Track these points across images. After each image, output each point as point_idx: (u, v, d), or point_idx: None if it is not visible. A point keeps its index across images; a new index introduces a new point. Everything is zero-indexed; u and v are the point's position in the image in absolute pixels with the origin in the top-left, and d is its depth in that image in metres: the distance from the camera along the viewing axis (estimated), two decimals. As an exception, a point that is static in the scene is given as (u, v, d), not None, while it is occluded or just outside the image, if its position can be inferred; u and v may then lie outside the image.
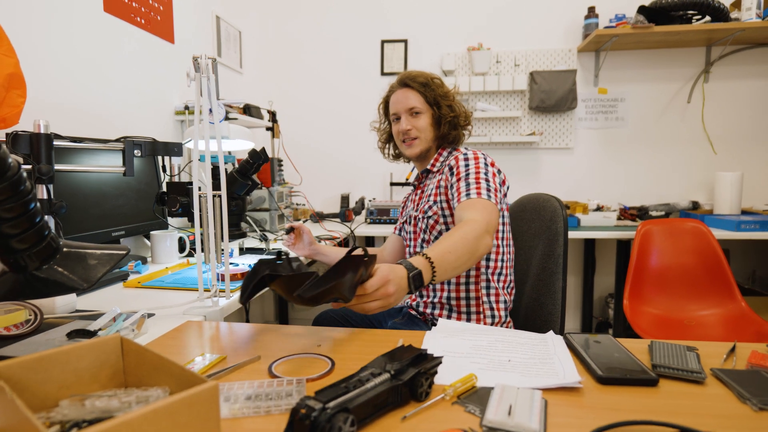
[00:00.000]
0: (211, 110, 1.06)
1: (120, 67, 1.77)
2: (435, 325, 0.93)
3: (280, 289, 0.75)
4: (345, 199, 2.84)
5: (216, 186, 1.02)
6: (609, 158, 2.84)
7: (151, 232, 1.58)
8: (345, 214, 2.70)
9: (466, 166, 1.24)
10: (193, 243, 1.74)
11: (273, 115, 2.52)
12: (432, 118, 1.37)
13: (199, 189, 1.02)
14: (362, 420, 0.54)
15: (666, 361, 0.68)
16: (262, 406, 0.57)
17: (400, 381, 0.59)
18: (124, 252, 0.84)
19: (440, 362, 0.64)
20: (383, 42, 2.94)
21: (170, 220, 1.78)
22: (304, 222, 2.61)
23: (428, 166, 1.39)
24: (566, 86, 2.69)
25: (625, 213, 2.55)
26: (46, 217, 0.76)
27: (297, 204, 2.75)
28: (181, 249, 1.64)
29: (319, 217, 2.64)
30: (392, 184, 2.94)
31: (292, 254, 1.55)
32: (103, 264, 0.80)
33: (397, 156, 1.52)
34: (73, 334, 0.79)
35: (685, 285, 2.03)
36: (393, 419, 0.57)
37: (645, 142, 2.80)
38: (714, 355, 0.74)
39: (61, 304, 1.01)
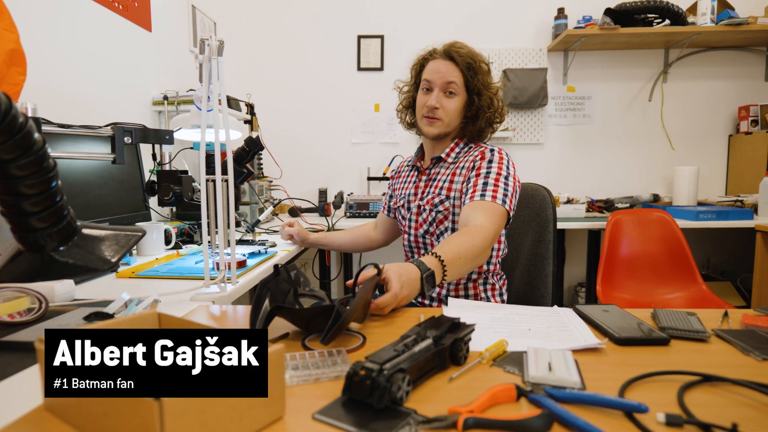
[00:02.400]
0: (209, 98, 1.05)
1: (97, 53, 1.70)
2: None
3: (288, 320, 0.77)
4: (323, 194, 2.84)
5: (212, 173, 1.01)
6: (577, 153, 2.98)
7: (137, 224, 1.53)
8: (323, 208, 2.70)
9: (489, 163, 1.18)
10: (178, 235, 1.69)
11: (251, 108, 2.48)
12: (464, 105, 1.24)
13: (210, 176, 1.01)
14: (413, 381, 0.57)
15: (672, 324, 0.75)
16: (311, 375, 0.59)
17: (443, 345, 0.61)
18: (140, 234, 0.82)
19: (473, 329, 0.67)
20: (360, 37, 2.96)
21: (152, 212, 1.72)
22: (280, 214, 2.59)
23: (441, 154, 1.29)
24: (538, 84, 2.80)
25: (593, 205, 2.69)
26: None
27: (275, 199, 2.72)
28: (166, 242, 1.60)
29: (298, 211, 2.62)
30: (369, 178, 2.97)
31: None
32: (122, 245, 0.78)
33: (412, 126, 1.39)
34: (92, 317, 0.77)
35: (652, 271, 2.16)
36: (439, 381, 0.59)
37: (610, 139, 2.95)
38: (709, 320, 0.81)
39: (61, 292, 0.96)
